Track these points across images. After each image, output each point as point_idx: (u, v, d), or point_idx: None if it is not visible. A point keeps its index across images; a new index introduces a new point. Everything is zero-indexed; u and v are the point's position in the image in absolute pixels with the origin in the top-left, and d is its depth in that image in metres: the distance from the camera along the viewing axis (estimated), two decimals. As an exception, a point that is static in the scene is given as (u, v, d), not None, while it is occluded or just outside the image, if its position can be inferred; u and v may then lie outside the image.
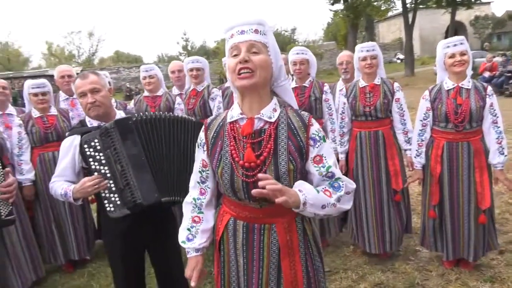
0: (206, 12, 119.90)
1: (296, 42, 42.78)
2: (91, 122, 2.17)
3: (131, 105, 4.06)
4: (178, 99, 3.93)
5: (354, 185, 1.50)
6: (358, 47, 3.33)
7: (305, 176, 1.49)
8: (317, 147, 1.44)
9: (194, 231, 1.61)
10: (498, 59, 14.99)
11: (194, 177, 1.62)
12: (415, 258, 3.37)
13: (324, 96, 3.56)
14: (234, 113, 1.48)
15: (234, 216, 1.55)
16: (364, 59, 3.22)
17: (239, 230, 1.54)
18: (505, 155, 2.85)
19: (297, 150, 1.42)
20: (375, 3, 24.29)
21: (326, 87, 3.61)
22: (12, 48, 42.92)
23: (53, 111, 3.52)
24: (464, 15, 32.57)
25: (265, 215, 1.49)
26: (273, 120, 1.43)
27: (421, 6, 24.37)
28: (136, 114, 2.11)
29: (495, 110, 2.85)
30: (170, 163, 2.09)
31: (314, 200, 1.37)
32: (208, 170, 1.56)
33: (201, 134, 1.56)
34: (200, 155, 1.57)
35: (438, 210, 3.06)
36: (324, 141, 1.46)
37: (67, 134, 2.21)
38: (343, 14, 25.75)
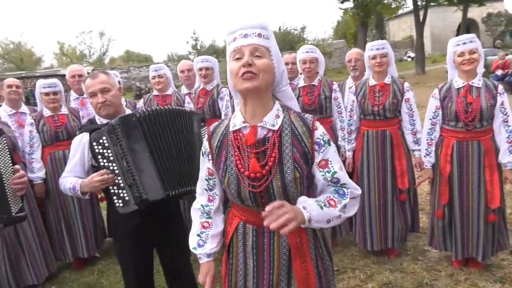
0: (215, 11, 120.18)
1: (306, 41, 42.62)
2: (101, 120, 2.20)
3: (140, 104, 4.09)
4: (187, 98, 3.95)
5: (359, 191, 1.48)
6: (368, 45, 3.31)
7: (312, 180, 1.48)
8: (322, 152, 1.42)
9: (204, 236, 1.61)
10: (511, 56, 14.76)
11: (201, 184, 1.61)
12: (423, 258, 3.35)
13: (333, 95, 3.56)
14: (237, 121, 1.46)
15: (244, 220, 1.55)
16: (374, 57, 3.21)
17: (248, 234, 1.54)
18: None
19: (302, 156, 1.40)
20: (385, 1, 24.09)
21: (335, 86, 3.61)
22: (25, 48, 43.50)
23: (64, 110, 3.58)
24: (476, 12, 32.08)
25: None
26: (276, 127, 1.41)
27: (432, 4, 24.02)
28: (139, 110, 2.13)
29: (506, 108, 2.82)
30: (176, 154, 2.10)
31: (318, 217, 1.35)
32: (215, 178, 1.56)
33: (205, 143, 1.55)
34: (206, 164, 1.56)
35: (448, 209, 3.04)
36: (329, 144, 1.43)
37: (77, 132, 2.24)
38: (353, 12, 25.62)
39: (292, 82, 3.92)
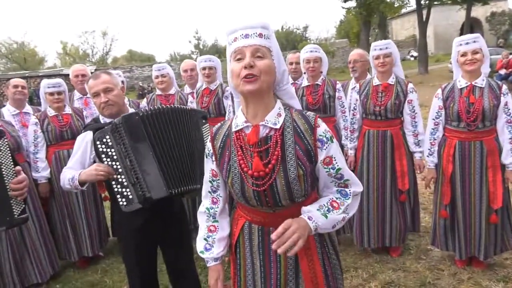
0: (217, 10, 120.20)
1: (308, 40, 42.59)
2: (105, 119, 2.21)
3: (143, 103, 4.11)
4: (190, 98, 3.96)
5: (361, 188, 1.50)
6: (372, 45, 3.31)
7: (315, 178, 1.49)
8: (325, 149, 1.42)
9: (211, 240, 1.61)
10: (515, 56, 14.68)
11: (205, 187, 1.62)
12: (426, 257, 3.35)
13: (337, 94, 3.56)
14: (239, 121, 1.46)
15: (249, 221, 1.56)
16: (377, 57, 3.21)
17: (254, 234, 1.55)
18: None
19: (305, 154, 1.41)
20: (388, 0, 24.00)
21: (339, 85, 3.61)
22: (28, 48, 43.63)
23: (68, 110, 3.59)
24: (480, 11, 31.96)
25: (279, 218, 1.47)
26: (278, 126, 1.41)
27: (436, 3, 23.94)
28: (142, 109, 2.14)
29: (509, 109, 2.79)
30: (179, 153, 2.11)
31: (324, 225, 1.40)
32: (218, 179, 1.56)
33: (208, 144, 1.56)
34: (209, 165, 1.56)
35: (450, 209, 3.03)
36: (332, 141, 1.43)
37: (82, 130, 2.26)
38: (356, 12, 25.50)
39: (296, 82, 3.92)
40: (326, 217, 1.41)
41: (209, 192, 1.61)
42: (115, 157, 2.02)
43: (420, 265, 3.22)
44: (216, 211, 1.61)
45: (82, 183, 2.10)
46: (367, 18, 24.43)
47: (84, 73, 4.10)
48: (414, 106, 3.21)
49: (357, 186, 1.49)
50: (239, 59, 1.37)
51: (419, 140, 3.21)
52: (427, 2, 23.00)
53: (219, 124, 1.58)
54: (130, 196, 2.01)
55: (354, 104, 3.40)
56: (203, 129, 2.27)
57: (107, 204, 3.83)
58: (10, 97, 3.72)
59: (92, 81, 2.16)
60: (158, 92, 4.04)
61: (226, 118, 3.82)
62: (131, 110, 2.28)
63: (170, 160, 2.07)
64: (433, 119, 3.03)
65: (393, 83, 3.23)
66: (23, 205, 1.88)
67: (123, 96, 2.33)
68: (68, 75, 4.29)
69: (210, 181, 1.58)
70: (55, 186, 3.49)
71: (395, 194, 3.29)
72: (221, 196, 1.60)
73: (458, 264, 3.13)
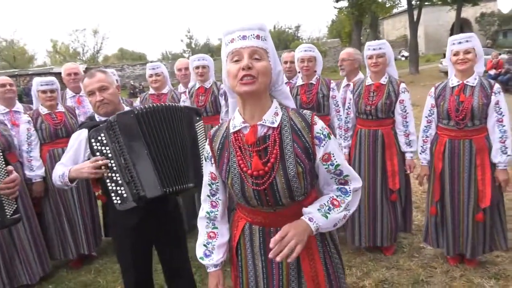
0: (209, 9, 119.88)
1: (300, 39, 42.69)
2: (100, 118, 2.20)
3: (137, 103, 4.09)
4: (183, 97, 3.95)
5: (361, 183, 1.52)
6: (366, 44, 3.34)
7: (315, 175, 1.50)
8: (323, 146, 1.43)
9: (210, 247, 1.61)
10: (504, 56, 14.90)
11: (205, 191, 1.61)
12: (419, 255, 3.38)
13: (331, 93, 3.58)
14: (236, 122, 1.46)
15: (250, 222, 1.56)
16: (371, 57, 3.23)
17: (255, 235, 1.55)
18: (508, 155, 2.80)
19: (303, 151, 1.42)
20: (379, 0, 24.17)
21: (333, 84, 3.63)
22: (18, 46, 43.16)
23: (61, 108, 3.56)
24: (470, 12, 32.32)
25: (280, 218, 1.49)
26: (275, 125, 1.42)
27: (426, 3, 24.16)
28: (137, 107, 2.14)
29: (500, 108, 2.80)
30: (173, 151, 2.10)
31: (325, 225, 1.42)
32: (217, 182, 1.56)
33: (207, 147, 1.55)
34: (208, 168, 1.56)
35: (440, 206, 3.07)
36: (330, 138, 1.44)
37: (77, 128, 2.25)
38: (348, 11, 25.66)
39: (291, 81, 3.93)
40: (327, 217, 1.42)
41: (208, 195, 1.60)
42: (110, 155, 2.01)
43: (413, 263, 3.25)
44: (216, 215, 1.61)
45: (72, 180, 2.09)
46: (359, 18, 24.60)
47: (76, 72, 4.06)
48: (405, 106, 3.23)
49: (356, 182, 1.50)
50: (236, 61, 1.36)
51: (410, 140, 3.23)
52: (418, 2, 23.21)
53: (216, 126, 1.59)
54: (125, 195, 2.00)
55: (348, 103, 3.42)
56: (196, 126, 2.27)
57: (99, 203, 3.80)
58: (0, 96, 3.66)
59: (87, 80, 2.15)
60: (151, 91, 4.02)
61: (221, 116, 3.81)
62: (127, 109, 2.27)
63: (165, 159, 2.07)
64: (426, 116, 3.07)
65: (385, 83, 3.25)
66: (15, 205, 1.86)
67: (119, 94, 2.32)
68: (58, 73, 4.26)
69: (209, 184, 1.58)
70: (50, 185, 3.45)
71: (386, 194, 3.31)
72: (220, 200, 1.60)
73: (450, 262, 3.16)
